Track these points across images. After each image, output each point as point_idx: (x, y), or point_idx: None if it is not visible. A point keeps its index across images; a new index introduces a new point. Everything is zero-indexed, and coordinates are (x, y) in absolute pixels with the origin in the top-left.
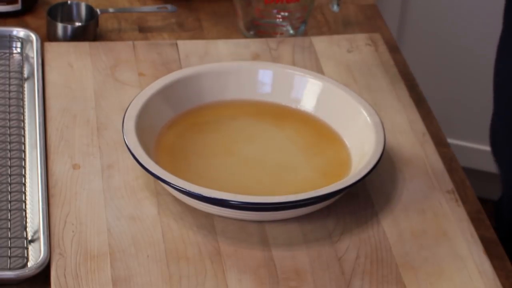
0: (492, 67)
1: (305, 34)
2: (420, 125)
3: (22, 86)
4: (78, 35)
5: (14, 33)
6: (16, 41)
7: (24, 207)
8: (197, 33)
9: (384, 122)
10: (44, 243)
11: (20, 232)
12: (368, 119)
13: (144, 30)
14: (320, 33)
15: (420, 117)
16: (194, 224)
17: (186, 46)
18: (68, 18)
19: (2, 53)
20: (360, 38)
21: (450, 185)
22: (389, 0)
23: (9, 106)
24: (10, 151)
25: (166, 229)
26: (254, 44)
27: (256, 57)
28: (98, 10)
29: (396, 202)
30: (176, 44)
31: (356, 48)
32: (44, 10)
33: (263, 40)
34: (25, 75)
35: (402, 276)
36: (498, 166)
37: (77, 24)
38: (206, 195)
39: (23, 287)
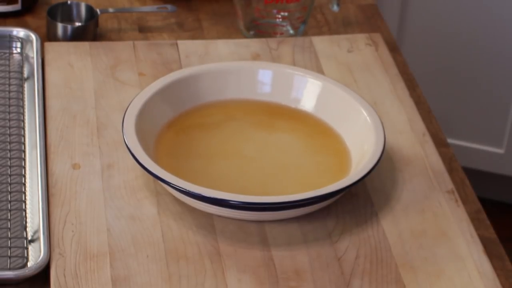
0: (492, 67)
1: (305, 34)
2: (420, 125)
3: (22, 86)
4: (78, 35)
5: (14, 33)
6: (16, 41)
7: (24, 207)
8: (197, 33)
9: (384, 122)
10: (44, 243)
11: (20, 232)
12: (368, 119)
13: (144, 30)
14: (320, 33)
15: (420, 117)
16: (193, 224)
17: (186, 46)
18: (68, 18)
19: (2, 53)
20: (360, 38)
21: (450, 185)
22: (389, 0)
23: (9, 106)
24: (10, 151)
25: (166, 229)
26: (254, 44)
27: (256, 57)
28: (98, 10)
29: (395, 202)
30: (176, 44)
31: (356, 48)
32: (44, 10)
33: (263, 40)
34: (25, 75)
35: (402, 276)
36: None
37: (77, 24)
38: (206, 195)
39: (23, 287)
